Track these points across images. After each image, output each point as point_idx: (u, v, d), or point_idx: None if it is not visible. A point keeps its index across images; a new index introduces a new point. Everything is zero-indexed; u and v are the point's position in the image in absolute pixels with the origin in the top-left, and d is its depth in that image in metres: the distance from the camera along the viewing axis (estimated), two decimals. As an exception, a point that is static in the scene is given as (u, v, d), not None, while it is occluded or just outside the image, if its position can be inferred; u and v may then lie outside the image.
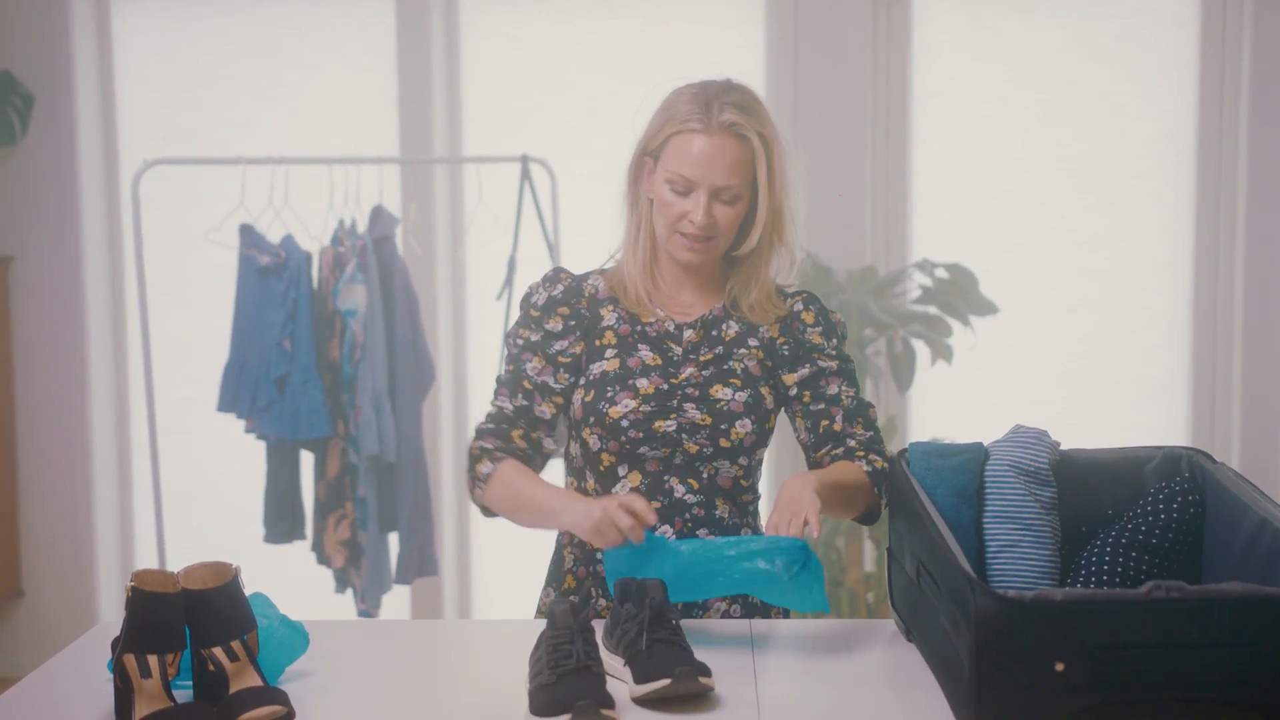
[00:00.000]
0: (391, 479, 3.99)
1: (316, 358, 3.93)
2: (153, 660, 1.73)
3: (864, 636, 2.12)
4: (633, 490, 2.18)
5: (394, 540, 4.05)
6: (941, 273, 4.22)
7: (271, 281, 3.94)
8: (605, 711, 1.72)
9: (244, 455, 4.26)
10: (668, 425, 2.16)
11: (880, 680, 1.96)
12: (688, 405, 2.17)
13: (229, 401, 4.00)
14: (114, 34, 4.66)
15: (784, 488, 2.04)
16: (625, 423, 2.17)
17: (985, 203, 4.49)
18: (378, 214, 3.97)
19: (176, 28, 4.65)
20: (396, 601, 4.51)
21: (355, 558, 4.01)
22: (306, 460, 4.08)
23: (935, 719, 1.75)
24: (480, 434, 2.24)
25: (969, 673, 1.64)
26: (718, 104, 2.15)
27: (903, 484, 2.02)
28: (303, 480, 4.09)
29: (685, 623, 2.11)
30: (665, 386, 2.18)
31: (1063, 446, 2.11)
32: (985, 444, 2.11)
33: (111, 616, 4.67)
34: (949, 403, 4.51)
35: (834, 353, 2.25)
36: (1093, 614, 1.59)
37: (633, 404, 2.17)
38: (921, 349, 4.21)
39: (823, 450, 2.21)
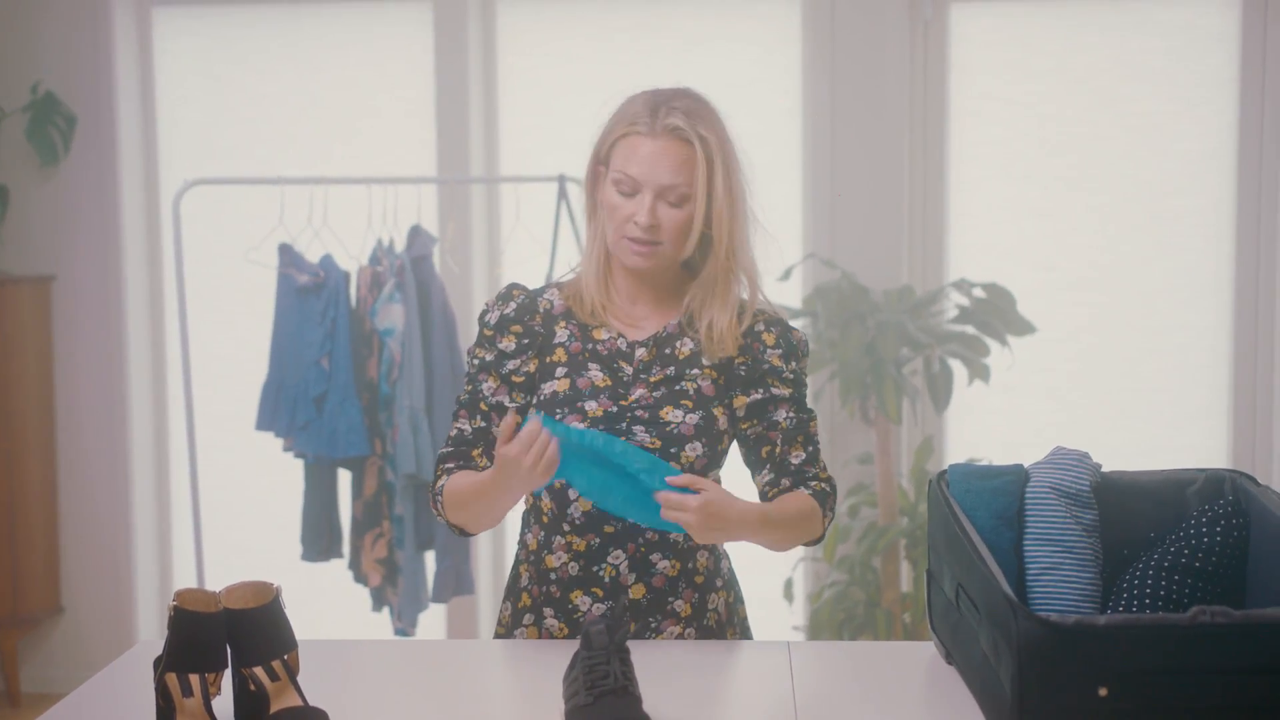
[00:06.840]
0: (428, 498, 4.00)
1: (354, 377, 3.95)
2: (194, 680, 1.74)
3: (904, 659, 2.11)
4: (584, 514, 2.14)
5: (430, 559, 4.05)
6: (979, 292, 4.20)
7: (310, 300, 3.96)
8: (644, 733, 1.71)
9: (282, 473, 4.28)
10: None
11: (920, 703, 1.95)
12: (637, 428, 2.12)
13: (267, 420, 4.02)
14: (155, 55, 4.70)
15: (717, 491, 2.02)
16: None
17: (1023, 222, 4.47)
18: (415, 233, 3.99)
19: (217, 49, 4.69)
20: (433, 620, 4.52)
21: (392, 576, 4.02)
22: (344, 479, 4.10)
23: (976, 743, 1.74)
24: (442, 459, 2.21)
25: (1010, 697, 1.62)
26: (665, 108, 2.13)
27: (942, 506, 2.01)
28: (340, 499, 4.11)
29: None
30: (614, 409, 2.14)
31: (1104, 468, 2.10)
32: (1025, 466, 2.09)
33: (150, 633, 4.69)
34: (986, 423, 4.48)
35: (790, 377, 2.19)
36: (1137, 638, 1.58)
37: (581, 427, 2.10)
38: (959, 369, 4.19)
39: (765, 478, 2.18)
